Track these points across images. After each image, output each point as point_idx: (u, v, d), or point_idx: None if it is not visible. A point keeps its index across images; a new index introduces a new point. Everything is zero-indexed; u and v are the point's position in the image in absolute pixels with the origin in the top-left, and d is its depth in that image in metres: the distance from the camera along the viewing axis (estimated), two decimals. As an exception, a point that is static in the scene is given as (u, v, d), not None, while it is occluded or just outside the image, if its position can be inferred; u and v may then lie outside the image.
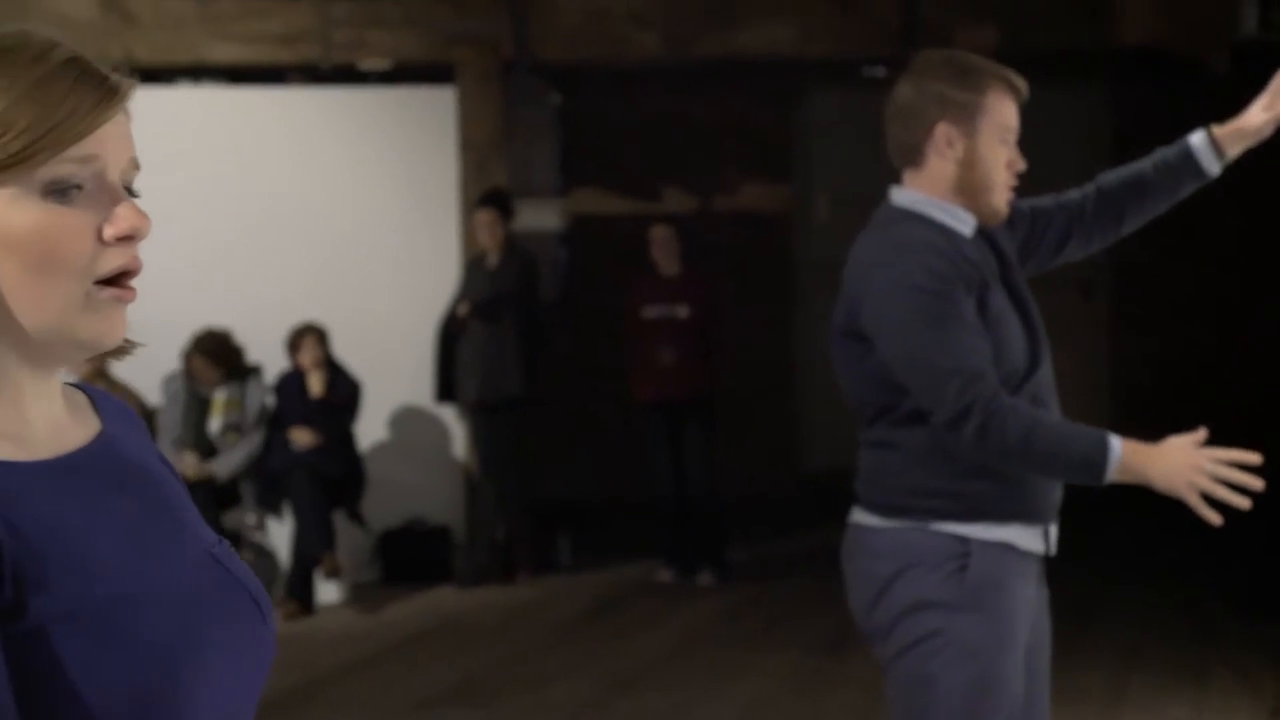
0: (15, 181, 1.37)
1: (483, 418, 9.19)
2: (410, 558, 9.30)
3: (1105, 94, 11.24)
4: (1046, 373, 3.38)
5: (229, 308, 9.08)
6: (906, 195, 3.40)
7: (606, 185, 11.64)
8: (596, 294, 11.06)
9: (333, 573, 8.63)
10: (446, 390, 9.29)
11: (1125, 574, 8.80)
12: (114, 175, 1.45)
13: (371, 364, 9.24)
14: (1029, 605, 3.36)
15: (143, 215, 1.46)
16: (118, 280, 1.45)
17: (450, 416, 9.59)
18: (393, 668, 7.49)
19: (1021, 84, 3.36)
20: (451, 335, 9.21)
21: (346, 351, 9.09)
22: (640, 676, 7.17)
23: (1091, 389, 10.97)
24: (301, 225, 9.46)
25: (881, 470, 3.36)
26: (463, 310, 9.10)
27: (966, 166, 3.32)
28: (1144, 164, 3.54)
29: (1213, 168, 3.49)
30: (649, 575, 9.22)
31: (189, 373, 8.79)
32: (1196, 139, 3.47)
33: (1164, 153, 3.53)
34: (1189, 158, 3.47)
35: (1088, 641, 7.36)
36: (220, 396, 8.77)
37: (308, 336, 8.90)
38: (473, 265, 9.27)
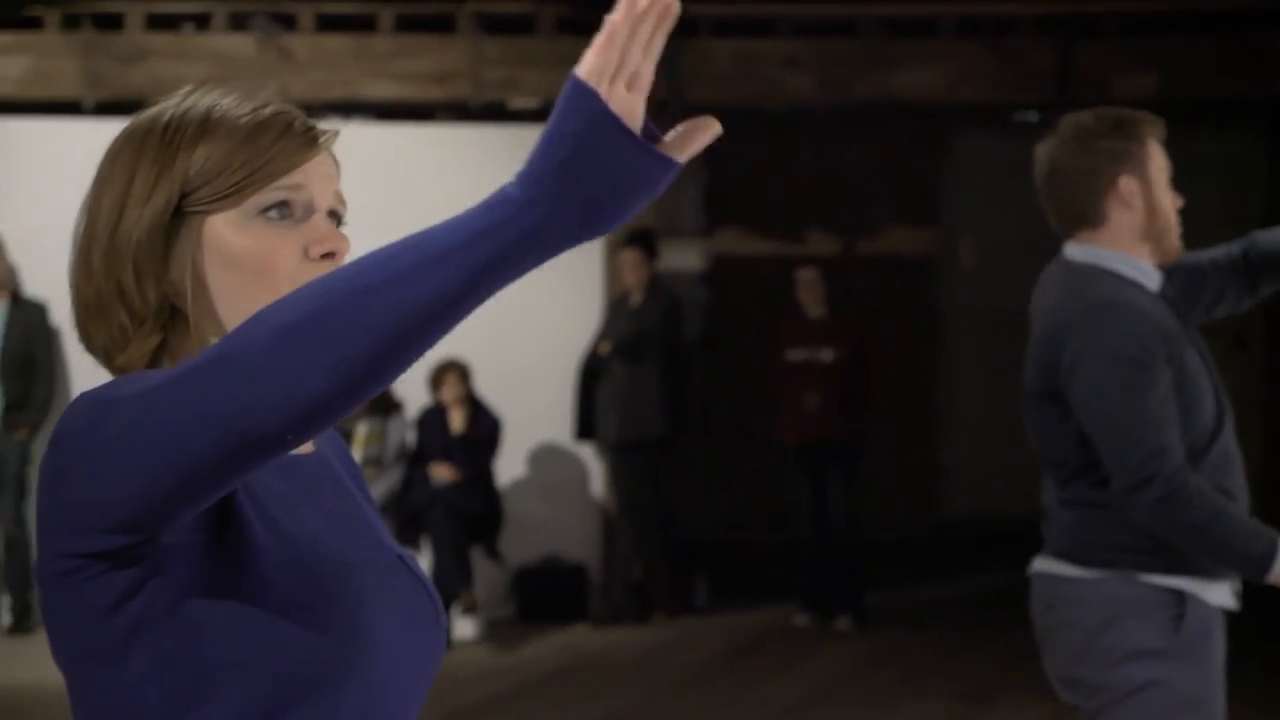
0: (236, 208, 1.60)
1: (622, 456, 9.18)
2: (546, 595, 9.30)
3: (1263, 142, 11.05)
4: (1229, 432, 3.38)
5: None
6: (1090, 251, 3.40)
7: (749, 226, 11.63)
8: (737, 335, 11.03)
9: (470, 609, 8.66)
10: (586, 428, 9.30)
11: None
12: (320, 204, 1.65)
13: (512, 401, 9.27)
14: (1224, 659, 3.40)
15: (342, 236, 1.65)
16: None
17: (589, 455, 9.60)
18: (529, 706, 7.48)
19: (1161, 123, 3.41)
20: (593, 373, 9.22)
21: (488, 388, 9.13)
22: (778, 723, 7.11)
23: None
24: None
25: (1086, 527, 3.36)
26: (605, 349, 9.11)
27: (1150, 214, 3.36)
28: (1267, 245, 3.50)
29: None
30: (786, 619, 9.15)
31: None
32: None
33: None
34: None
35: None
36: (362, 430, 8.85)
37: (450, 373, 8.96)
38: (616, 304, 9.28)
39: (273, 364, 1.38)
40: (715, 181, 11.45)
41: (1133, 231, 3.36)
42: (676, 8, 1.38)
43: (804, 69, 9.71)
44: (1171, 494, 3.17)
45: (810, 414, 9.00)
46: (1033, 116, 10.91)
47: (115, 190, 1.62)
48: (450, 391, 8.94)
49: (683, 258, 11.01)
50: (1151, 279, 3.39)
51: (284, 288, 1.58)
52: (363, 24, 9.73)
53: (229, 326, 1.60)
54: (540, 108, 10.00)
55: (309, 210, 1.64)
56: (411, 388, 9.03)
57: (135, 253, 1.59)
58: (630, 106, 1.39)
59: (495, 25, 9.71)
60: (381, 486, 8.82)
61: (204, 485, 1.43)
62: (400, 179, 9.61)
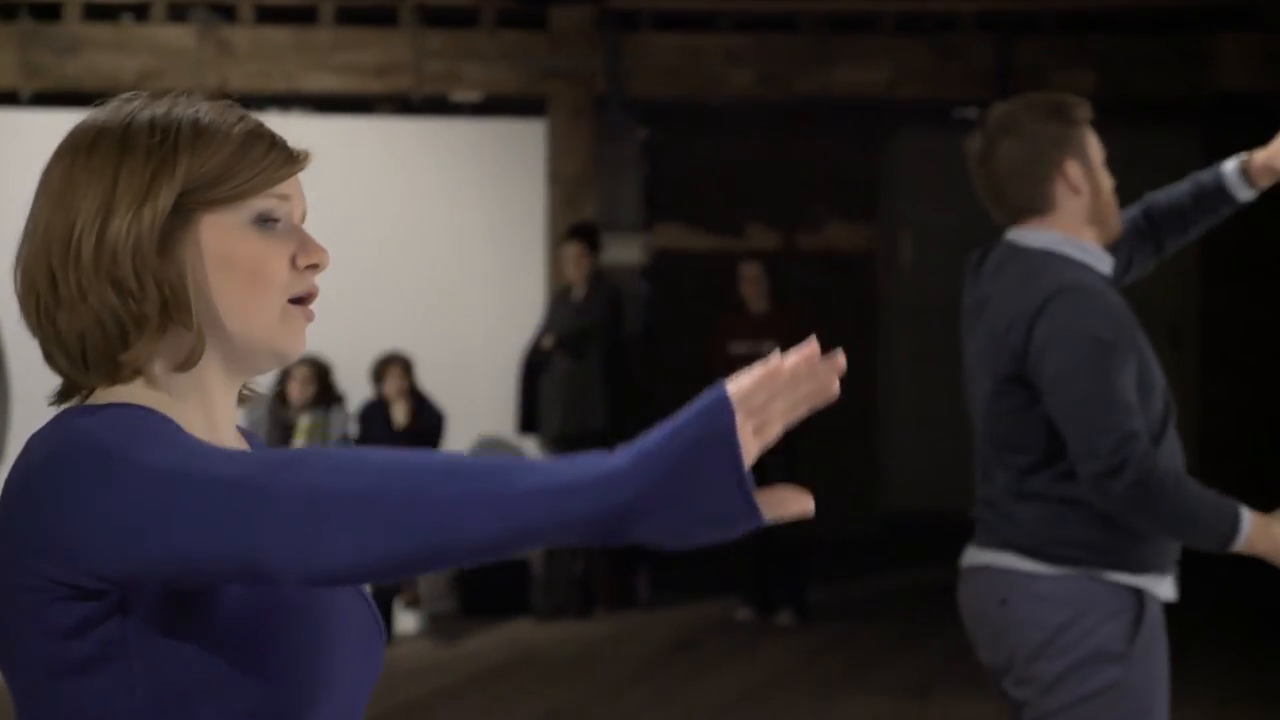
0: (234, 214, 1.64)
1: (564, 450, 9.18)
2: (489, 589, 9.29)
3: (1198, 139, 11.14)
4: (1174, 421, 3.40)
5: (314, 335, 9.07)
6: (1042, 236, 3.38)
7: (691, 221, 11.64)
8: (678, 329, 11.04)
9: (412, 603, 8.65)
10: (529, 422, 9.30)
11: (1216, 618, 8.68)
12: (297, 218, 1.72)
13: (456, 394, 9.26)
14: None
15: (325, 250, 1.71)
16: (302, 301, 1.69)
17: (532, 448, 9.59)
18: (473, 700, 7.47)
19: (1089, 104, 3.43)
20: (535, 367, 9.22)
21: (431, 382, 9.11)
22: (721, 716, 7.13)
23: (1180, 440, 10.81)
24: (388, 255, 9.50)
25: (1050, 520, 3.32)
26: (548, 343, 9.11)
27: (1094, 196, 3.37)
28: (1184, 194, 3.58)
29: (1245, 195, 3.55)
30: (727, 613, 9.18)
31: (278, 395, 8.84)
32: (1229, 169, 3.53)
33: (1200, 181, 3.57)
34: (1222, 189, 3.53)
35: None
36: (304, 421, 8.82)
37: (393, 366, 8.93)
38: (558, 298, 9.28)
39: (305, 523, 1.42)
40: (656, 175, 11.46)
41: (1080, 215, 3.36)
42: (835, 391, 1.50)
43: (745, 64, 9.73)
44: (1144, 477, 3.15)
45: (752, 408, 9.01)
46: (972, 113, 10.97)
47: (92, 193, 1.63)
48: (393, 385, 8.92)
49: (624, 251, 11.01)
50: (1103, 262, 3.41)
51: (276, 295, 1.65)
52: (303, 16, 9.69)
53: (223, 330, 1.64)
54: (481, 101, 10.00)
55: (289, 222, 1.69)
56: (353, 380, 9.01)
57: (134, 251, 1.60)
58: (749, 448, 1.46)
59: (437, 18, 9.69)
60: (322, 481, 8.78)
61: (195, 581, 1.49)
62: (340, 172, 9.58)
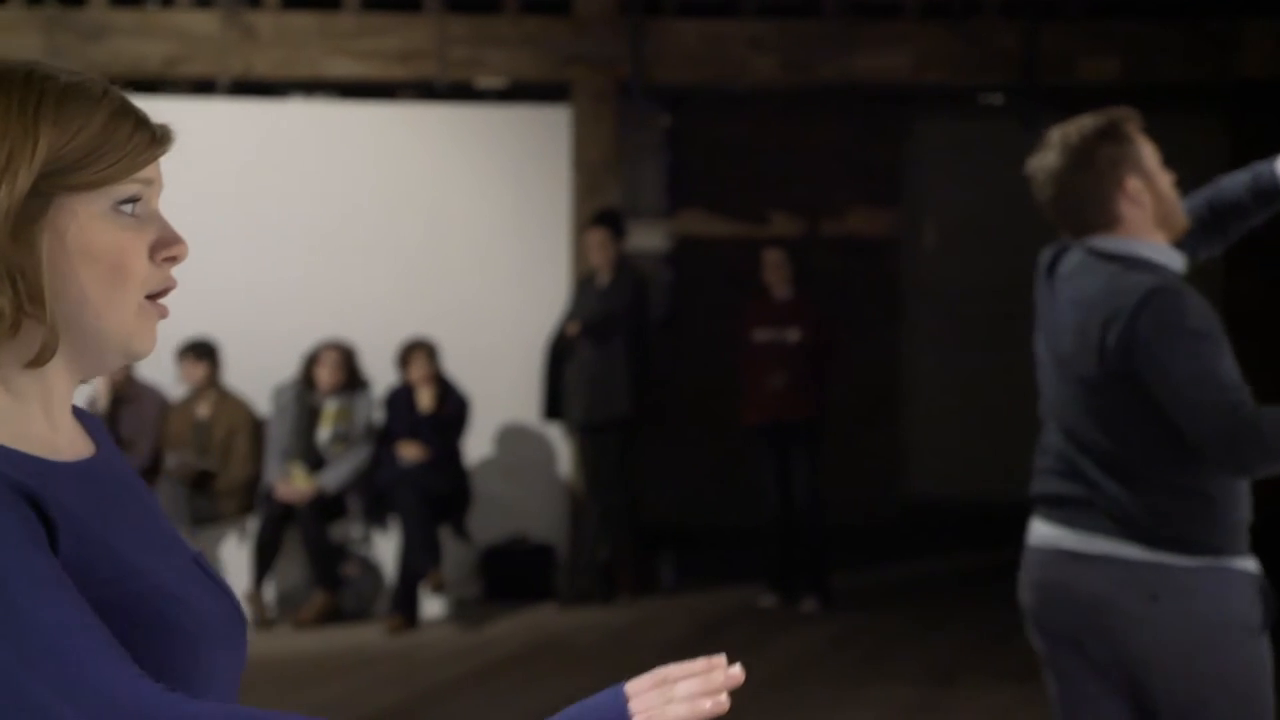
0: (96, 199, 1.51)
1: (589, 437, 9.20)
2: (513, 575, 9.31)
3: (1224, 126, 11.11)
4: None
5: (339, 322, 9.15)
6: (1115, 243, 3.56)
7: (714, 207, 11.64)
8: (700, 315, 11.05)
9: (437, 588, 8.67)
10: (553, 408, 9.31)
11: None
12: (155, 204, 1.60)
13: (480, 380, 9.27)
14: None
15: (184, 241, 1.62)
16: (157, 296, 1.59)
17: (556, 435, 9.61)
18: (497, 686, 7.50)
19: (1136, 113, 3.61)
20: (560, 354, 9.23)
21: (456, 367, 9.13)
22: (745, 703, 7.09)
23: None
24: (413, 240, 9.52)
25: (1183, 514, 3.44)
26: (572, 329, 9.12)
27: (1156, 202, 3.55)
28: (1241, 186, 3.70)
29: None
30: (751, 600, 9.19)
31: (305, 380, 8.87)
32: None
33: (1258, 173, 3.68)
34: (1277, 184, 3.66)
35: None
36: (331, 406, 8.85)
37: (418, 352, 8.95)
38: (583, 284, 9.29)
39: None
40: (679, 161, 11.46)
41: (1146, 222, 3.55)
42: (725, 704, 1.54)
43: (769, 50, 9.72)
44: (1258, 436, 3.29)
45: (775, 395, 9.03)
46: (997, 99, 10.96)
47: None
48: (418, 370, 8.94)
49: (647, 238, 11.02)
50: (1175, 261, 3.57)
51: (134, 290, 1.54)
52: (327, 2, 9.70)
53: (79, 326, 1.53)
54: (505, 87, 10.00)
55: (149, 209, 1.58)
56: (379, 366, 9.03)
57: None
58: None
59: (461, 4, 9.69)
60: (349, 465, 8.82)
61: None
62: (363, 159, 9.59)
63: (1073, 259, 3.61)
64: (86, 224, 1.51)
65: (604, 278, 9.18)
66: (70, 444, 1.59)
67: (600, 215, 9.26)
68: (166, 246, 1.57)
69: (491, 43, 9.63)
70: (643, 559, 9.41)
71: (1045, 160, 3.62)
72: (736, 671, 1.56)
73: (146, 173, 1.56)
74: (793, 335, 9.08)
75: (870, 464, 11.51)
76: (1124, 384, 3.46)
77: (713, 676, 1.55)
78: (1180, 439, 3.41)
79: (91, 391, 8.92)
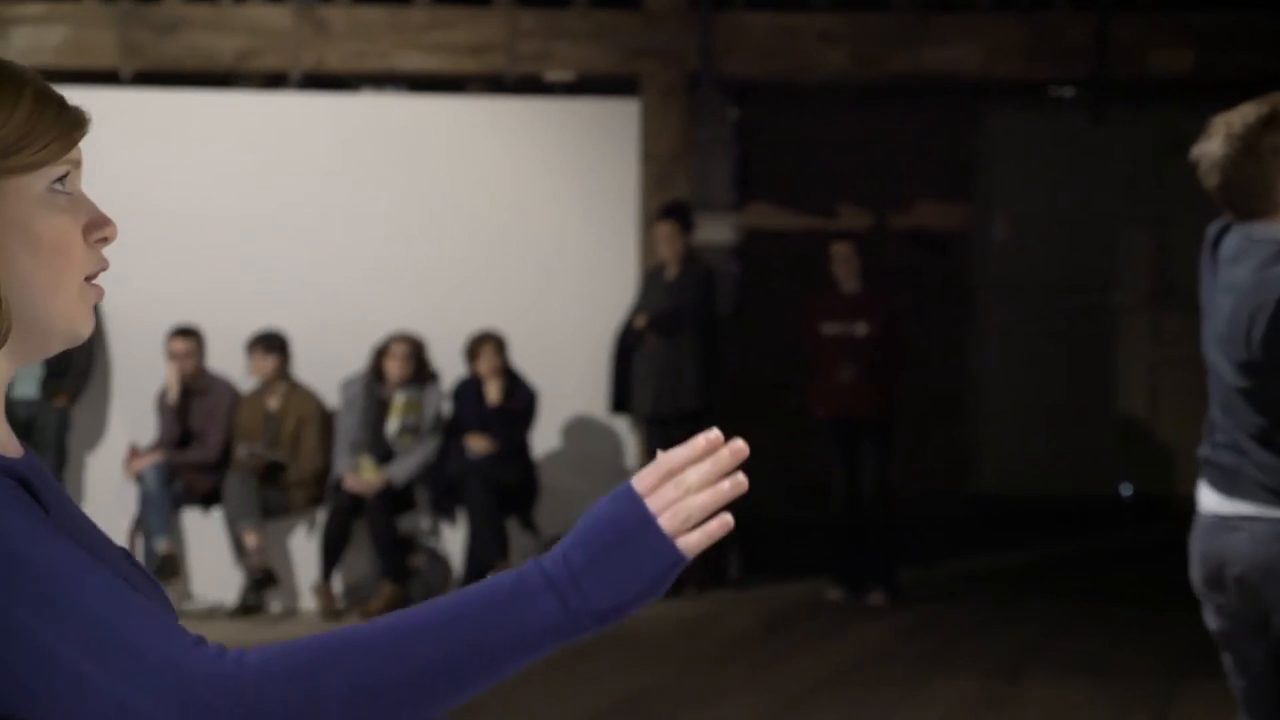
0: (33, 182, 1.49)
1: (657, 429, 9.20)
2: (580, 567, 9.31)
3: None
4: None
5: (408, 315, 9.19)
6: (1272, 229, 3.63)
7: (782, 201, 11.62)
8: (768, 308, 11.04)
9: (504, 580, 8.69)
10: (621, 401, 9.32)
11: None
12: (80, 183, 1.56)
13: (548, 373, 9.30)
14: None
15: (114, 221, 1.56)
16: (91, 278, 1.56)
17: (623, 427, 9.62)
18: (562, 679, 7.51)
19: None
20: (628, 346, 9.24)
21: (524, 360, 9.16)
22: (812, 696, 7.13)
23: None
24: (482, 234, 9.55)
25: None
26: (640, 322, 9.13)
27: None
28: None
29: None
30: (818, 593, 9.17)
31: (374, 372, 8.92)
32: None
33: None
34: None
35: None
36: (400, 399, 8.89)
37: (486, 344, 8.99)
38: (651, 277, 9.30)
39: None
40: (748, 155, 11.45)
41: None
42: (741, 480, 1.51)
43: (839, 43, 9.70)
44: None
45: (843, 388, 9.01)
46: (1068, 92, 10.89)
47: None
48: (486, 363, 8.97)
49: (715, 231, 11.01)
50: None
51: (75, 272, 1.52)
52: (399, -4, 9.75)
53: (27, 311, 1.50)
54: (574, 80, 10.02)
55: (78, 190, 1.55)
56: (448, 359, 9.07)
57: None
58: (673, 525, 1.50)
59: (530, -2, 9.72)
60: (418, 458, 8.86)
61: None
62: (434, 152, 9.63)
63: (1234, 241, 3.69)
64: (27, 207, 1.48)
65: (672, 271, 9.19)
66: (9, 436, 1.55)
67: (668, 208, 9.27)
68: (98, 228, 1.53)
69: (561, 36, 9.66)
70: (710, 552, 9.37)
71: (1209, 147, 3.64)
72: (740, 445, 1.53)
73: (75, 154, 1.52)
74: (861, 329, 9.06)
75: (938, 458, 11.47)
76: (1271, 372, 3.57)
77: (719, 456, 1.51)
78: None
79: (162, 384, 9.01)
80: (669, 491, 1.51)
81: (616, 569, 1.49)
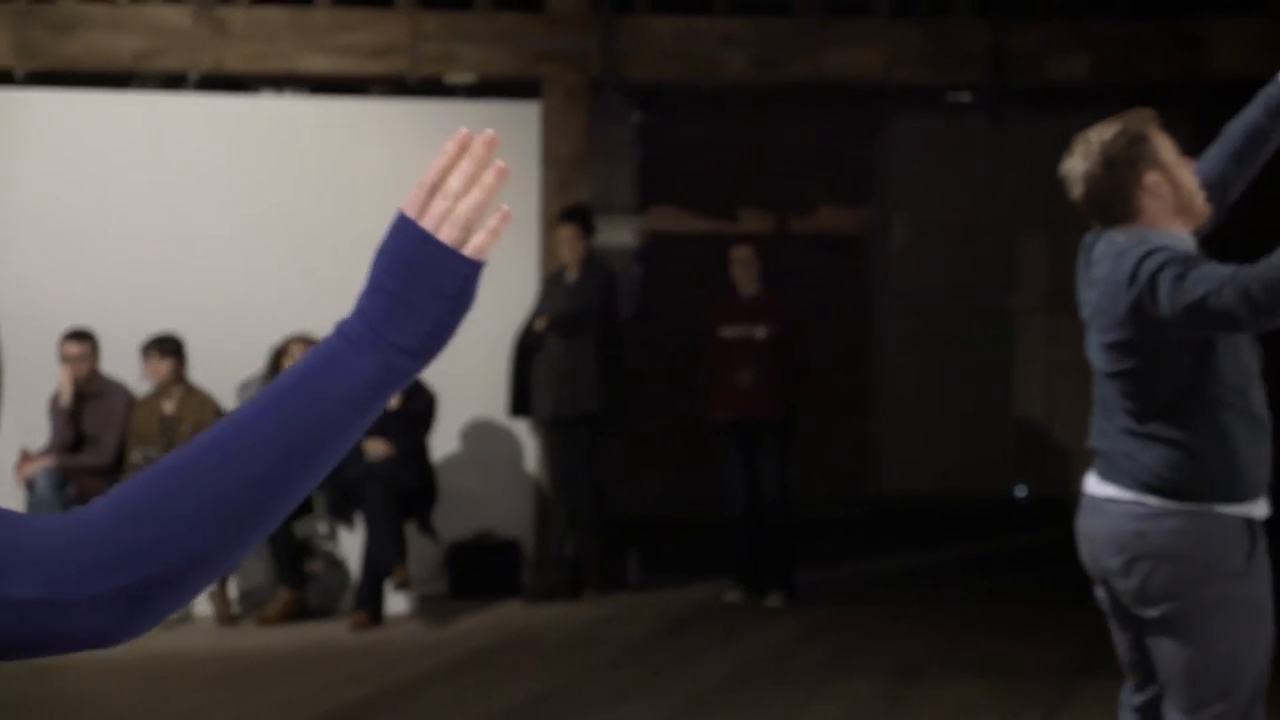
0: None
1: (557, 433, 9.20)
2: (479, 571, 9.31)
3: (1193, 125, 11.13)
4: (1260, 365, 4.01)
5: (307, 317, 9.12)
6: (1133, 231, 3.95)
7: (683, 204, 11.64)
8: (669, 312, 11.05)
9: (403, 585, 8.66)
10: (521, 404, 9.30)
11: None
12: None
13: (447, 376, 9.24)
14: None
15: None
16: None
17: (523, 431, 9.60)
18: (463, 682, 7.49)
19: (1153, 112, 4.04)
20: (528, 349, 9.22)
21: (424, 363, 9.10)
22: (712, 698, 7.14)
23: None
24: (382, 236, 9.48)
25: (1170, 464, 3.90)
26: (541, 324, 9.11)
27: (1175, 192, 3.96)
28: (1255, 113, 4.19)
29: None
30: (717, 595, 9.20)
31: (273, 373, 8.85)
32: None
33: (1267, 94, 4.18)
34: None
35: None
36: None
37: (386, 347, 8.93)
38: (551, 280, 9.29)
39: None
40: (650, 158, 11.46)
41: (1166, 212, 3.95)
42: (503, 167, 1.53)
43: (741, 48, 9.73)
44: (1259, 293, 3.62)
45: (743, 391, 9.04)
46: (966, 97, 10.98)
47: None
48: (385, 367, 8.91)
49: (617, 234, 11.02)
50: (1184, 243, 3.95)
51: None
52: (299, -3, 9.68)
53: None
54: (476, 83, 9.99)
55: None
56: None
57: None
58: (453, 235, 1.51)
59: (433, 0, 9.68)
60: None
61: None
62: (335, 153, 9.58)
63: (1101, 246, 4.01)
64: None
65: (573, 274, 9.18)
66: None
67: (570, 211, 9.26)
68: None
69: (464, 39, 9.62)
70: (609, 555, 9.42)
71: (1072, 164, 3.99)
72: (489, 133, 1.54)
73: None
74: (760, 332, 9.09)
75: (839, 460, 11.53)
76: (1129, 348, 3.89)
77: (473, 153, 1.53)
78: (1173, 397, 3.87)
79: (54, 388, 8.89)
80: (438, 205, 1.52)
81: (415, 300, 1.50)
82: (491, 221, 1.53)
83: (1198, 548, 3.88)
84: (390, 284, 1.50)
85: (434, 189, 1.52)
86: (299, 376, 1.48)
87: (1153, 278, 3.78)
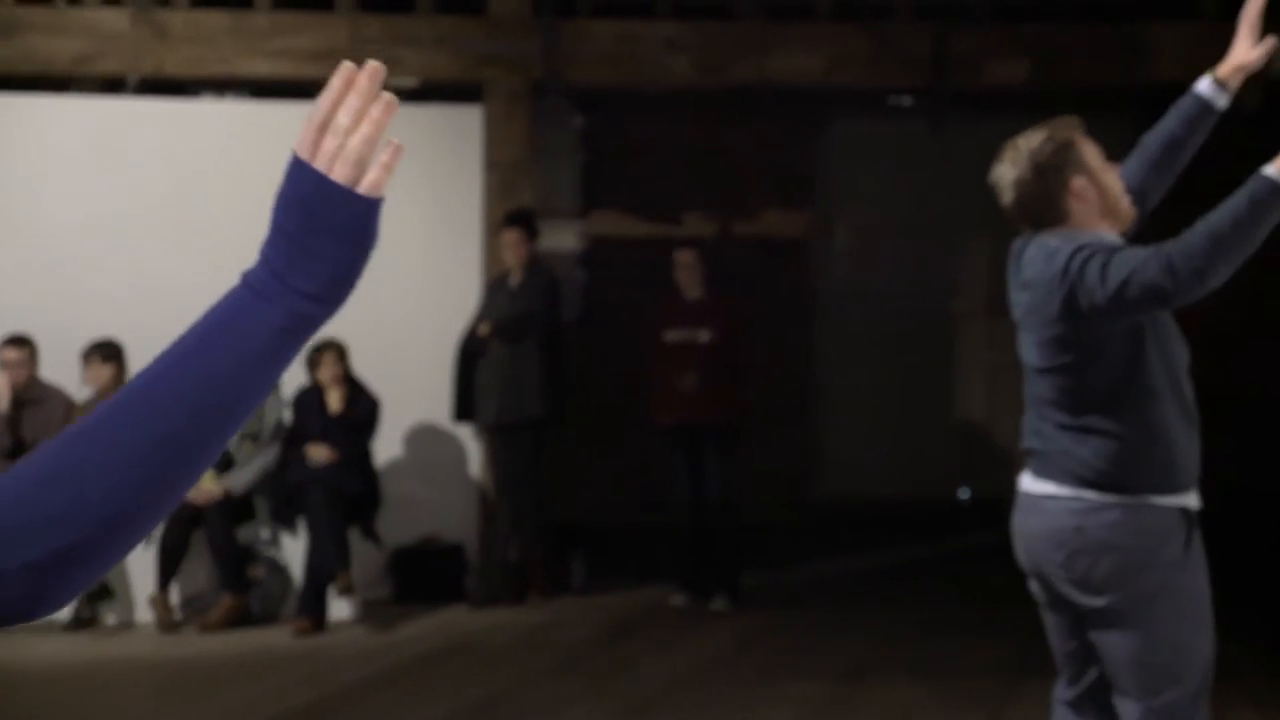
0: None
1: (501, 437, 9.18)
2: (423, 576, 9.28)
3: (1132, 128, 11.21)
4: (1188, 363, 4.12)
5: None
6: (1061, 233, 4.06)
7: (627, 208, 11.65)
8: (613, 316, 11.05)
9: (346, 590, 8.62)
10: (465, 409, 9.28)
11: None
12: None
13: (390, 381, 9.23)
14: None
15: None
16: None
17: (467, 435, 9.58)
18: (407, 687, 7.47)
19: (1078, 119, 4.14)
20: (471, 354, 9.20)
21: (366, 368, 9.09)
22: (655, 702, 7.15)
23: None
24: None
25: (1106, 457, 3.98)
26: (484, 329, 9.10)
27: (1101, 196, 4.08)
28: (1173, 124, 4.28)
29: (1222, 103, 4.25)
30: (662, 600, 9.20)
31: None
32: (1204, 86, 4.24)
33: (1182, 107, 4.27)
34: (1206, 105, 4.24)
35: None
36: (239, 408, 8.77)
37: (327, 353, 8.90)
38: (495, 285, 9.27)
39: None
40: (593, 162, 11.46)
41: (1093, 215, 4.07)
42: (391, 98, 1.48)
43: (683, 51, 9.74)
44: (1179, 261, 3.74)
45: (687, 395, 9.04)
46: (907, 101, 11.03)
47: None
48: (327, 371, 8.89)
49: (560, 238, 11.02)
50: (1111, 242, 4.03)
51: None
52: (240, 0, 9.63)
53: None
54: (418, 87, 9.96)
55: None
56: (288, 367, 8.95)
57: None
58: (347, 172, 1.47)
59: (374, 3, 9.65)
60: (257, 466, 8.76)
61: None
62: (276, 157, 9.48)
63: (1031, 250, 4.10)
64: None
65: (516, 278, 9.17)
66: None
67: (513, 215, 9.25)
68: None
69: (405, 42, 9.60)
70: (554, 559, 9.40)
71: (1001, 170, 4.11)
72: (373, 63, 1.50)
73: None
74: (704, 336, 9.10)
75: (783, 464, 11.56)
76: (1065, 345, 3.99)
77: (359, 86, 1.49)
78: (1108, 390, 3.96)
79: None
80: (329, 144, 1.48)
81: (315, 244, 1.47)
82: (384, 156, 1.49)
83: (1137, 538, 3.98)
84: (290, 229, 1.47)
85: (323, 127, 1.48)
86: (206, 329, 1.45)
87: (1082, 269, 3.88)
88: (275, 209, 1.47)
